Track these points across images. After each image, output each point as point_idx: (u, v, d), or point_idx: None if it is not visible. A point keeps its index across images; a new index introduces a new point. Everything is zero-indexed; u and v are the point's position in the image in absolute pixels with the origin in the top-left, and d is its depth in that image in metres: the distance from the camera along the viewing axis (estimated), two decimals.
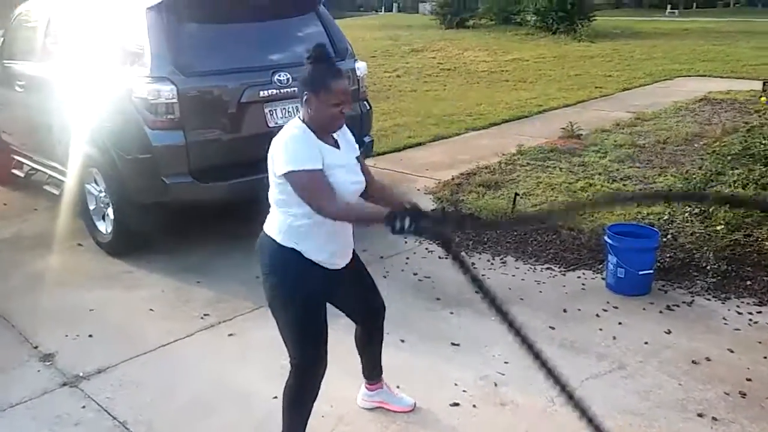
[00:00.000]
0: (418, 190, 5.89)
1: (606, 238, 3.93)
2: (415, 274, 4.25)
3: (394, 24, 23.30)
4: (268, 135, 4.14)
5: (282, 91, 4.38)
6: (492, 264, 4.39)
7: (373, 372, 2.87)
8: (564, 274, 4.20)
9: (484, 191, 5.69)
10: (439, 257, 4.51)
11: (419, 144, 7.62)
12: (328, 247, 2.35)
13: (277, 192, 2.30)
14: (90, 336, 3.61)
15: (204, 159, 4.22)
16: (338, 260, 2.43)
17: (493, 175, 6.14)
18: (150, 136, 4.10)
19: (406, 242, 4.75)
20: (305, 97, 2.27)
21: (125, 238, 4.58)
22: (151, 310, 3.91)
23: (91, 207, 4.78)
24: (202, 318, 3.76)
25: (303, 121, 2.30)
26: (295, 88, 4.56)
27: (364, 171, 2.47)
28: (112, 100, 4.28)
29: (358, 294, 2.64)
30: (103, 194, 4.61)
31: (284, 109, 4.48)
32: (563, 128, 7.41)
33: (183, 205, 4.37)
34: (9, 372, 3.29)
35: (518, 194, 5.33)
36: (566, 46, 16.41)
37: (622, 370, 3.15)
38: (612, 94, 10.39)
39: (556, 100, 9.83)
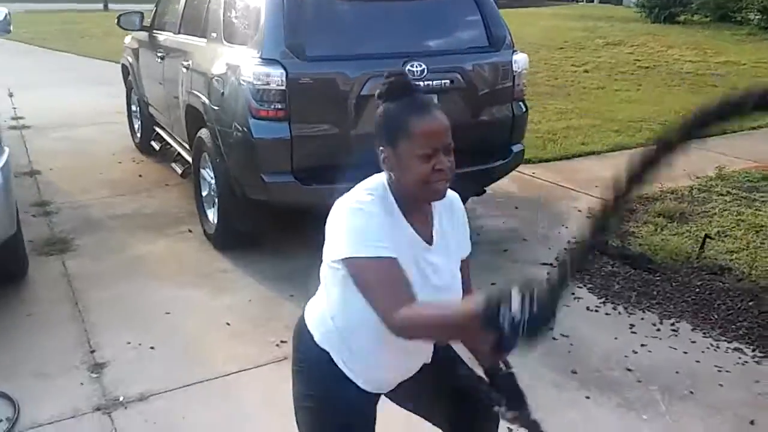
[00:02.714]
0: (579, 211, 4.86)
1: None
2: (550, 328, 3.30)
3: (594, 15, 21.37)
4: None
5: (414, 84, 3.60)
6: (659, 330, 3.31)
7: None
8: (759, 363, 3.03)
9: (665, 223, 4.55)
10: (588, 308, 3.52)
11: (593, 153, 6.45)
12: (383, 372, 1.60)
13: (329, 275, 1.58)
14: (151, 348, 3.14)
15: (311, 158, 3.57)
16: (392, 385, 1.65)
17: (680, 203, 4.94)
18: (252, 127, 3.51)
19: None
20: (381, 156, 1.51)
21: (228, 232, 4.10)
22: (228, 324, 3.37)
23: (204, 193, 4.37)
24: (278, 345, 3.15)
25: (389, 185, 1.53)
26: (430, 81, 3.82)
27: (464, 277, 1.65)
28: (225, 81, 3.77)
29: (451, 416, 1.78)
30: (214, 182, 4.17)
31: None
32: None
33: (283, 206, 3.78)
34: (54, 379, 2.89)
35: (709, 236, 4.13)
36: None
37: None
38: None
39: None
